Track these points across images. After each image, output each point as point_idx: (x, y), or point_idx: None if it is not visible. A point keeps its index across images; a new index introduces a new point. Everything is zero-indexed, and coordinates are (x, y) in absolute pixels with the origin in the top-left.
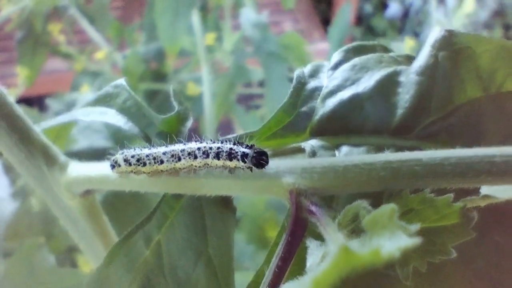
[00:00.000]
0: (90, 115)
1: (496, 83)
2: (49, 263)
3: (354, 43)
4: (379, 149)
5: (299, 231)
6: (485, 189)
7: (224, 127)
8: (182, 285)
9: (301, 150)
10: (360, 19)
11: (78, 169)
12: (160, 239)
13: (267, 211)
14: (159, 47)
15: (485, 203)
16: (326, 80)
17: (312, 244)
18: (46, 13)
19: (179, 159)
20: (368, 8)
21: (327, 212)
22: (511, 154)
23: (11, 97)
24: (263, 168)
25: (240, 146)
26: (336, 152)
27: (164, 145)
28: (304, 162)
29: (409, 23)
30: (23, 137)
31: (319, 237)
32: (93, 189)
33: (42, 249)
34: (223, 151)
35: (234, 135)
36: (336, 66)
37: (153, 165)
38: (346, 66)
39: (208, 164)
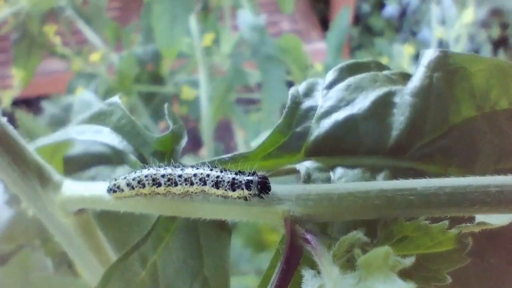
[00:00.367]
0: (85, 133)
1: (490, 102)
2: (45, 268)
3: (349, 61)
4: (374, 170)
5: (294, 258)
6: (479, 216)
7: (223, 128)
8: None
9: (295, 171)
10: (358, 19)
11: (72, 188)
12: (156, 260)
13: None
14: (156, 48)
15: (480, 229)
16: (321, 100)
17: (307, 274)
18: (43, 15)
19: (176, 184)
20: (366, 7)
21: (322, 240)
22: (505, 184)
23: (3, 118)
24: (268, 194)
25: (242, 175)
26: (331, 174)
27: (162, 167)
28: (299, 189)
29: (406, 23)
30: (16, 157)
31: (314, 265)
32: (87, 208)
33: (38, 253)
34: (223, 180)
35: (229, 155)
36: (330, 85)
37: (152, 187)
38: (340, 86)
39: (204, 191)
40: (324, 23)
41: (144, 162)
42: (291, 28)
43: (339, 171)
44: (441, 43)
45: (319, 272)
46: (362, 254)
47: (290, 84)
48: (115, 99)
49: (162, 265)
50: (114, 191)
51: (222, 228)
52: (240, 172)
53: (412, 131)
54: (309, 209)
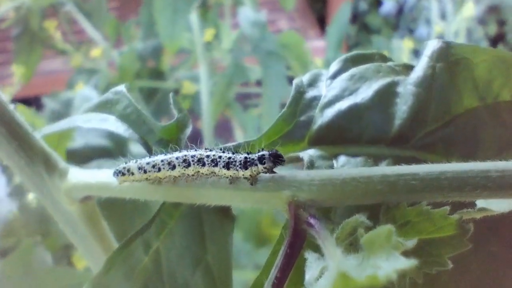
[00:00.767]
0: (91, 121)
1: (493, 93)
2: (46, 262)
3: (353, 52)
4: (377, 159)
5: (298, 242)
6: (481, 202)
7: (223, 126)
8: None
9: (299, 160)
10: (355, 17)
11: (78, 176)
12: (159, 246)
13: (264, 208)
14: (156, 44)
15: (481, 215)
16: (325, 90)
17: (310, 257)
18: (43, 10)
19: (189, 165)
20: (363, 5)
21: (325, 224)
22: (506, 169)
23: (11, 105)
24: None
25: (253, 154)
26: (334, 162)
27: (176, 150)
28: (302, 174)
29: (403, 20)
30: (23, 144)
31: (318, 249)
32: (93, 195)
33: (38, 247)
34: (235, 160)
35: (234, 143)
36: (334, 76)
37: (167, 171)
38: (344, 75)
39: (215, 173)
40: (322, 22)
41: (149, 150)
42: (289, 26)
43: (342, 159)
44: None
45: (322, 255)
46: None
47: (291, 80)
48: (121, 88)
49: (165, 251)
50: (123, 174)
51: (226, 216)
52: (251, 152)
53: (415, 120)
54: (313, 194)
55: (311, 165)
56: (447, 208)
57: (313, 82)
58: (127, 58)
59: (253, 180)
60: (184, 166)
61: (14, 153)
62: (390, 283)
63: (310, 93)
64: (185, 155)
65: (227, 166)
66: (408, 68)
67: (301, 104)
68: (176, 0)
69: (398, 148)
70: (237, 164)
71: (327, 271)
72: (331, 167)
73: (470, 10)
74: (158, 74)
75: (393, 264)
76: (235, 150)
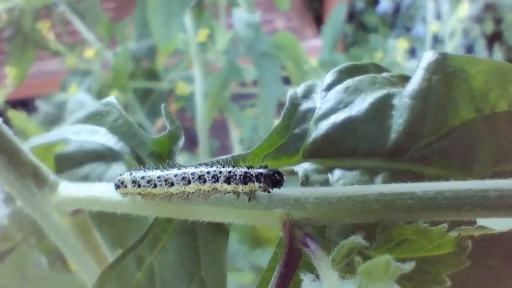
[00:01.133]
0: (81, 134)
1: (490, 104)
2: (41, 266)
3: (347, 64)
4: (373, 172)
5: (293, 262)
6: (480, 220)
7: (219, 126)
8: None
9: (293, 173)
10: (352, 16)
11: (68, 189)
12: (152, 261)
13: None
14: (150, 44)
15: (480, 233)
16: (319, 102)
17: (306, 278)
18: (36, 11)
19: (189, 183)
20: (360, 4)
21: (321, 243)
22: (505, 188)
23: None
24: (278, 188)
25: (253, 169)
26: (329, 176)
27: (176, 167)
28: (297, 192)
29: (400, 19)
30: (13, 158)
31: (313, 269)
32: (83, 208)
33: (33, 251)
34: (236, 174)
35: (226, 156)
36: (329, 87)
37: (164, 187)
38: (339, 87)
39: (217, 189)
40: (319, 21)
41: (141, 162)
42: (286, 26)
43: (337, 173)
44: (436, 39)
45: (318, 276)
46: (362, 260)
47: (285, 80)
48: (111, 99)
49: (159, 266)
50: (118, 187)
51: (220, 230)
52: (251, 167)
53: (411, 133)
54: (308, 212)
55: (306, 180)
56: (445, 225)
57: (307, 94)
58: (121, 59)
59: (251, 196)
60: (184, 184)
61: (3, 167)
62: None
63: (305, 105)
64: (184, 173)
65: (228, 180)
66: (404, 79)
67: (295, 116)
68: (170, 1)
69: (394, 161)
70: (237, 178)
71: None
72: (327, 181)
73: (465, 10)
74: (152, 74)
75: None
76: (228, 163)
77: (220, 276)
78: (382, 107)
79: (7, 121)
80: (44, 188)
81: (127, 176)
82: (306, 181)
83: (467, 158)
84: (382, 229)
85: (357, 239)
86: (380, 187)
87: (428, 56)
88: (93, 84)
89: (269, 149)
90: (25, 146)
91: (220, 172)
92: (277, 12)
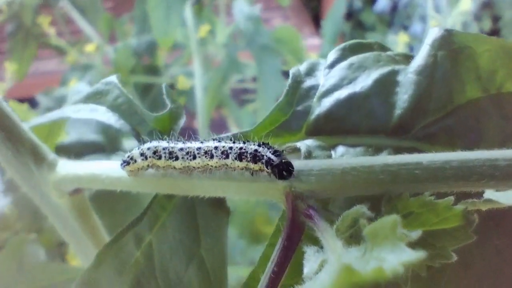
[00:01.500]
0: (81, 112)
1: (496, 84)
2: (39, 257)
3: (351, 41)
4: (376, 149)
5: (296, 235)
6: (488, 194)
7: (217, 122)
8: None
9: (296, 150)
10: (350, 14)
11: (67, 168)
12: (151, 240)
13: (258, 206)
14: (150, 39)
15: (487, 207)
16: (323, 79)
17: (309, 250)
18: (36, 6)
19: (195, 157)
20: (357, 3)
21: (324, 215)
22: None
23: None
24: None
25: (265, 149)
26: (332, 152)
27: (181, 141)
28: (300, 164)
29: (398, 17)
30: (11, 135)
31: (316, 242)
32: (83, 187)
33: (32, 243)
34: (247, 152)
35: (229, 133)
36: (332, 65)
37: (168, 160)
38: (343, 64)
39: (227, 165)
40: (316, 20)
41: (141, 141)
42: (283, 24)
43: (341, 149)
44: None
45: (321, 248)
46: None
47: (286, 75)
48: (112, 78)
49: (158, 245)
50: (128, 163)
51: (220, 208)
52: (264, 145)
53: (416, 110)
54: (311, 184)
55: (309, 156)
56: (452, 198)
57: (310, 71)
58: (121, 54)
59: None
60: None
61: (1, 144)
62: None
63: (308, 83)
64: (189, 147)
65: (240, 157)
66: (408, 58)
67: (298, 93)
68: None
69: (399, 139)
70: (248, 156)
71: (327, 264)
72: (330, 157)
73: (467, 4)
74: (153, 70)
75: (399, 256)
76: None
77: (221, 255)
78: (387, 84)
79: None
80: (42, 166)
81: (135, 151)
82: (309, 157)
83: (473, 138)
84: (387, 201)
85: (362, 209)
86: (385, 158)
87: (434, 32)
88: (94, 79)
89: (271, 126)
90: (25, 125)
91: (231, 148)
92: (275, 11)
